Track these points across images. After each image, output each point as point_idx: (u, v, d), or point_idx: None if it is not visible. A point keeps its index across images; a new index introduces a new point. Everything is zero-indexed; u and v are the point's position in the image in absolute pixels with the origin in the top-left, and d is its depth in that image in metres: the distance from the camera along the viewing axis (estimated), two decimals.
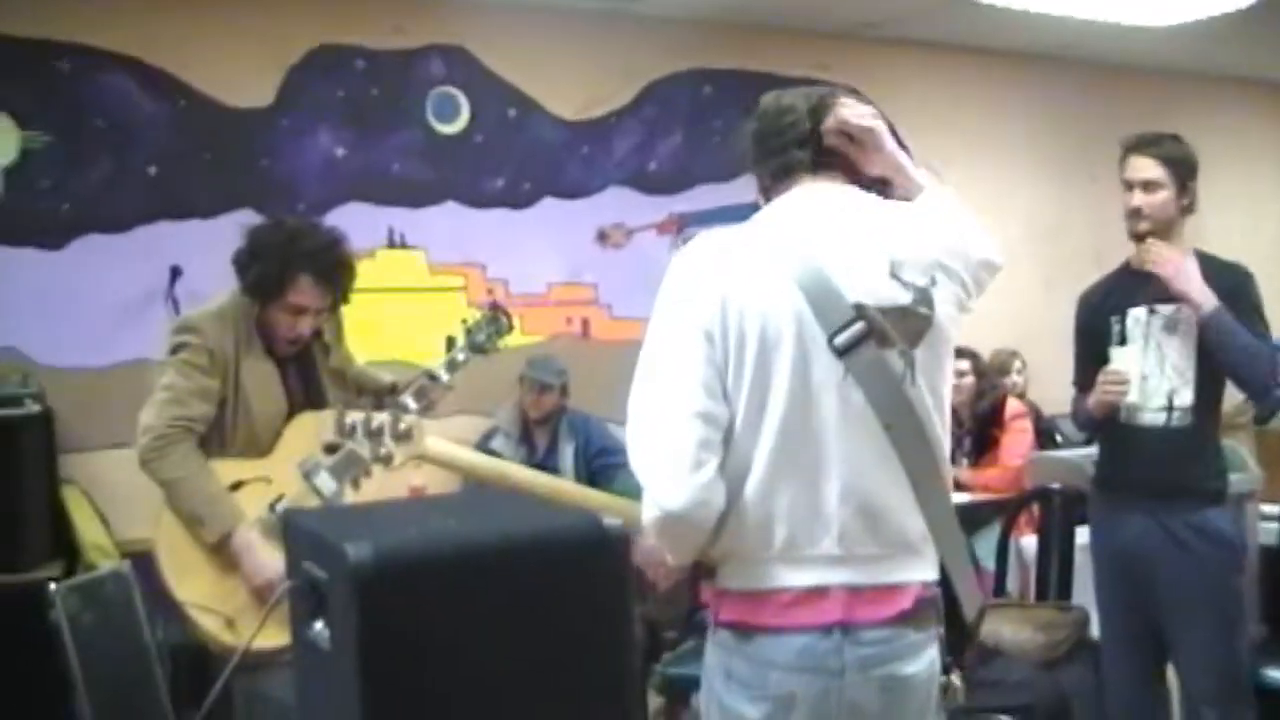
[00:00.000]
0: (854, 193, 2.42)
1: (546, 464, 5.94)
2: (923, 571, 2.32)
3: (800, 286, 2.23)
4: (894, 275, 2.28)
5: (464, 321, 4.01)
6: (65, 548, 5.07)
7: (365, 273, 6.16)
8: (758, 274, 2.25)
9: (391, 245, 6.39)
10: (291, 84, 6.14)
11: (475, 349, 3.98)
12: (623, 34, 6.82)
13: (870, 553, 2.26)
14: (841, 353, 2.22)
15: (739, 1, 6.53)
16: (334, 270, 3.81)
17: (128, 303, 5.69)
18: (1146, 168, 3.98)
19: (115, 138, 5.79)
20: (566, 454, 5.96)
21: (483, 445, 6.02)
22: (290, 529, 2.16)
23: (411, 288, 6.42)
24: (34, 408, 4.94)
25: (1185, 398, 3.91)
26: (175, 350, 3.70)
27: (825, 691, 2.22)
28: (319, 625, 1.95)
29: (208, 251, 5.83)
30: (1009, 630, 4.16)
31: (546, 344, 6.61)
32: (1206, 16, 6.89)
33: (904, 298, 2.28)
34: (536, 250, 6.71)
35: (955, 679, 2.39)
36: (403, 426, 2.37)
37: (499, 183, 6.64)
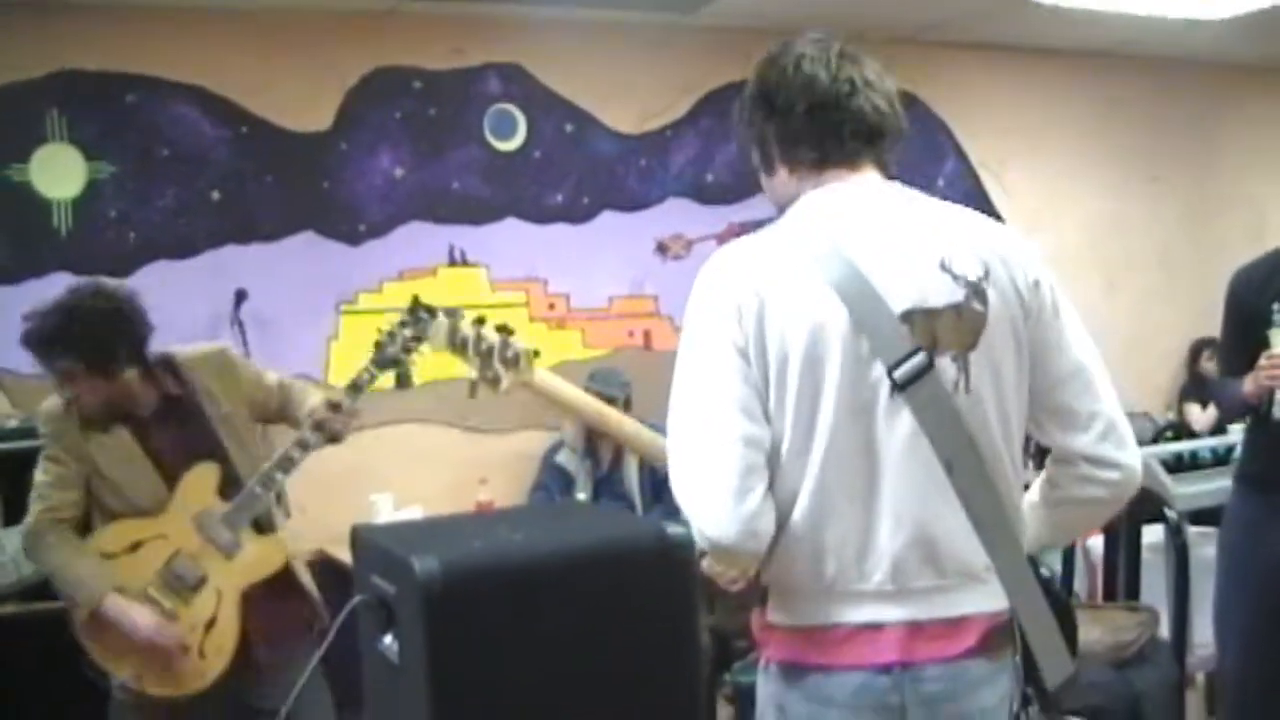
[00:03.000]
0: (887, 185, 2.21)
1: (611, 476, 5.96)
2: (990, 601, 2.10)
3: (843, 298, 2.03)
4: (944, 269, 2.08)
5: (379, 330, 3.65)
6: None
7: (428, 291, 6.25)
8: (794, 285, 2.06)
9: (453, 263, 6.43)
10: (350, 107, 6.21)
11: (386, 364, 3.63)
12: (677, 46, 6.85)
13: (929, 584, 2.06)
14: (901, 386, 2.02)
15: (794, 10, 6.50)
16: (45, 353, 3.65)
17: (196, 327, 5.75)
18: None
19: (179, 165, 5.88)
20: (631, 466, 5.96)
21: (548, 459, 6.05)
22: (359, 544, 2.19)
23: (474, 304, 6.45)
24: None
25: None
26: (40, 447, 3.78)
27: None
28: (388, 639, 1.97)
29: (271, 274, 5.94)
30: (1078, 632, 4.12)
31: (610, 357, 6.64)
32: (1263, 7, 6.82)
33: (957, 294, 2.07)
34: (597, 264, 6.74)
35: (1033, 715, 2.17)
36: (510, 353, 2.36)
37: (558, 198, 6.67)
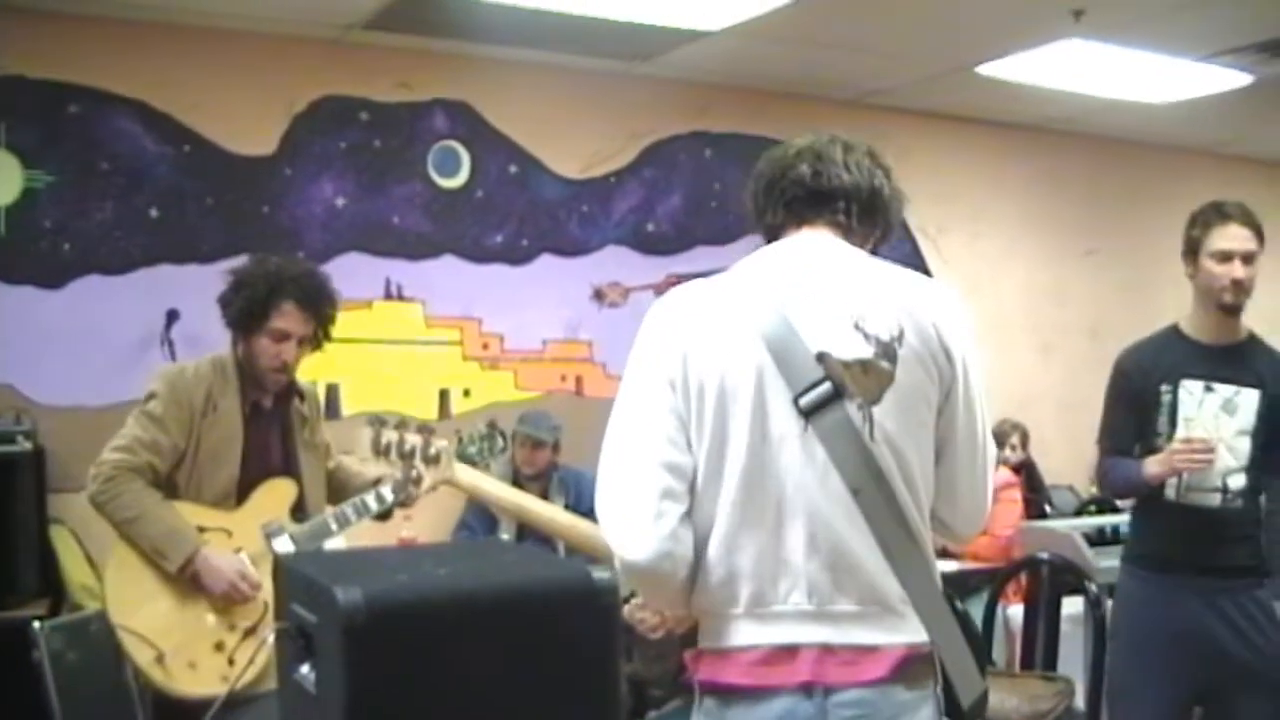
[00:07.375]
0: (831, 243, 2.35)
1: None
2: (906, 634, 2.20)
3: (764, 337, 2.20)
4: (857, 327, 2.21)
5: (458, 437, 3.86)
6: (52, 587, 5.06)
7: (362, 323, 6.25)
8: (722, 324, 2.24)
9: (389, 297, 6.41)
10: (296, 133, 6.19)
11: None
12: (626, 95, 6.88)
13: (845, 610, 2.17)
14: (807, 414, 2.17)
15: (742, 66, 6.58)
16: (316, 295, 3.81)
17: (125, 344, 5.70)
18: (1247, 239, 3.87)
19: (119, 180, 5.83)
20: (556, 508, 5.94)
21: (473, 499, 6.01)
22: (281, 572, 2.16)
23: (408, 339, 6.43)
24: (27, 445, 4.94)
25: (1239, 480, 3.79)
26: (147, 399, 3.72)
27: None
28: (305, 668, 1.94)
29: (206, 295, 5.79)
30: (995, 699, 4.12)
31: (541, 400, 6.63)
32: (1205, 95, 6.98)
33: (865, 351, 2.20)
34: (533, 306, 6.74)
35: None
36: (433, 451, 2.48)
37: (498, 238, 6.67)
